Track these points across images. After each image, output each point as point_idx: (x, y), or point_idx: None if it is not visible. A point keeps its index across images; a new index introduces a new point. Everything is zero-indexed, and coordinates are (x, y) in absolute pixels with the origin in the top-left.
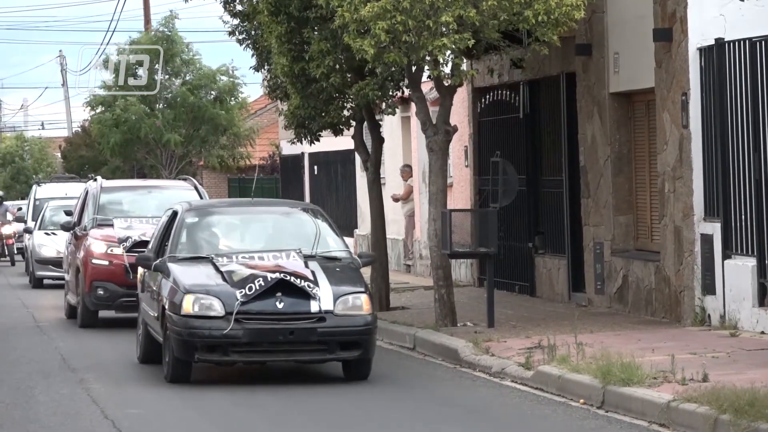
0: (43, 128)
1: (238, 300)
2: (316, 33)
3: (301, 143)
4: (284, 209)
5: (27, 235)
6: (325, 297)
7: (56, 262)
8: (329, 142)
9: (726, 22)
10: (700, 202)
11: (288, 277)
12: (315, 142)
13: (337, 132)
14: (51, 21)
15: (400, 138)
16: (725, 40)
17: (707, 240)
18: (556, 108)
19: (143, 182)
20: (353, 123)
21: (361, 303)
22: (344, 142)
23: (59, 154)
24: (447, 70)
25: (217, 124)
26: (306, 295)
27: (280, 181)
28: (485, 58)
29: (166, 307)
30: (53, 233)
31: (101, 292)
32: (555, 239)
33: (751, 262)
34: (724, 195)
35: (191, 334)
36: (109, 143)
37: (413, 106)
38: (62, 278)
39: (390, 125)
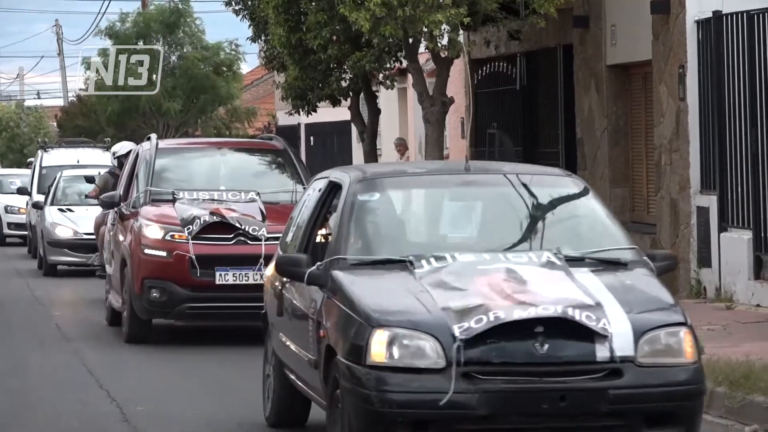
0: (39, 97)
1: (457, 339)
2: (313, 4)
3: (299, 114)
4: (523, 179)
5: (35, 211)
6: (619, 333)
7: (73, 245)
8: (326, 113)
9: None
10: (696, 174)
11: (554, 308)
12: (312, 113)
13: (335, 103)
14: None
15: (397, 109)
16: (723, 12)
17: (703, 213)
18: (553, 80)
19: (215, 141)
20: (350, 94)
21: (680, 343)
22: (341, 113)
23: (55, 124)
24: (444, 42)
25: (217, 95)
26: (585, 332)
27: None
28: (482, 29)
29: (336, 348)
30: (69, 209)
31: (156, 295)
32: None
33: (747, 235)
34: (720, 168)
35: (386, 401)
36: (107, 112)
37: (410, 77)
38: (81, 264)
39: (386, 97)
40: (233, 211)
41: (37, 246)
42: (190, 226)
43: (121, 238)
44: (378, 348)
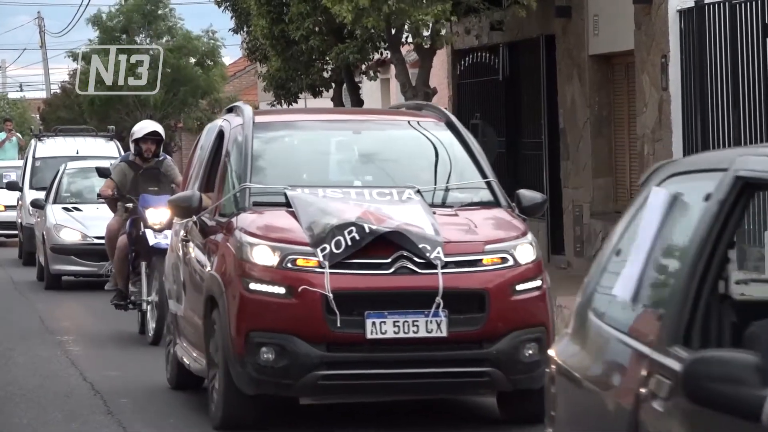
0: (21, 90)
1: None
2: None
3: (281, 105)
4: None
5: (31, 211)
6: None
7: (81, 251)
8: (309, 105)
9: None
10: None
11: None
12: (294, 103)
13: (317, 94)
14: None
15: (380, 100)
16: (705, 2)
17: None
18: (536, 70)
19: (340, 111)
20: (332, 85)
21: None
22: (324, 104)
23: (37, 116)
24: (427, 33)
25: (197, 87)
26: None
27: None
28: (464, 20)
29: None
30: (75, 208)
31: (270, 357)
32: None
33: None
34: None
35: None
36: (93, 104)
37: (393, 68)
38: (90, 275)
39: (369, 87)
40: (388, 218)
41: (36, 252)
42: (327, 245)
43: (202, 263)
44: None
